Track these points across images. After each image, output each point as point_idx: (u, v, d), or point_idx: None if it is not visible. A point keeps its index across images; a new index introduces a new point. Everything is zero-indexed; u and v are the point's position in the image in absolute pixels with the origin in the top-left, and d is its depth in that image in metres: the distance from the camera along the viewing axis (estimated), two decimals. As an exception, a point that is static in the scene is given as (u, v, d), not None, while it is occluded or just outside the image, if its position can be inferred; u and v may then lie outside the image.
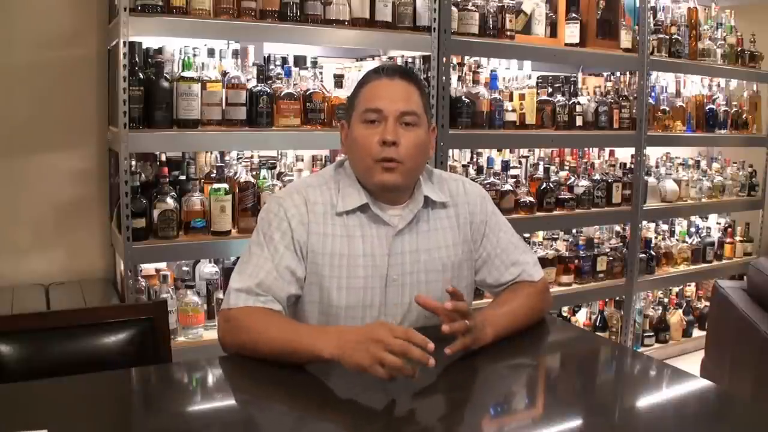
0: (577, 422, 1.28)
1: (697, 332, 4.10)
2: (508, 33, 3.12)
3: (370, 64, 3.02)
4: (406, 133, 1.58)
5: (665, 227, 4.14)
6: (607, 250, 3.65)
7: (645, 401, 1.39)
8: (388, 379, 1.26)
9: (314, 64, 2.72)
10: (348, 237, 1.60)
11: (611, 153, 3.75)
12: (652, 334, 3.92)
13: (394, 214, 1.63)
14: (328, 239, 1.59)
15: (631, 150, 3.69)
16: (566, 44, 3.38)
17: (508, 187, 3.20)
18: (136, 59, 2.38)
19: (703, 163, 4.29)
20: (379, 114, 1.57)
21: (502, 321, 1.57)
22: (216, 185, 2.55)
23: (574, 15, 3.38)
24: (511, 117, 3.20)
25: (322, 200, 1.62)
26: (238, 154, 2.71)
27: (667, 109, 3.89)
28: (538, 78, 3.41)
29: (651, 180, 3.89)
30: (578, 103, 3.43)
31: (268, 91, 2.58)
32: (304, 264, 1.58)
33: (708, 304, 4.05)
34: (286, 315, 1.55)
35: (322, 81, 2.76)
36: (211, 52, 2.52)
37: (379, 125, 1.57)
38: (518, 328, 1.61)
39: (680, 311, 4.09)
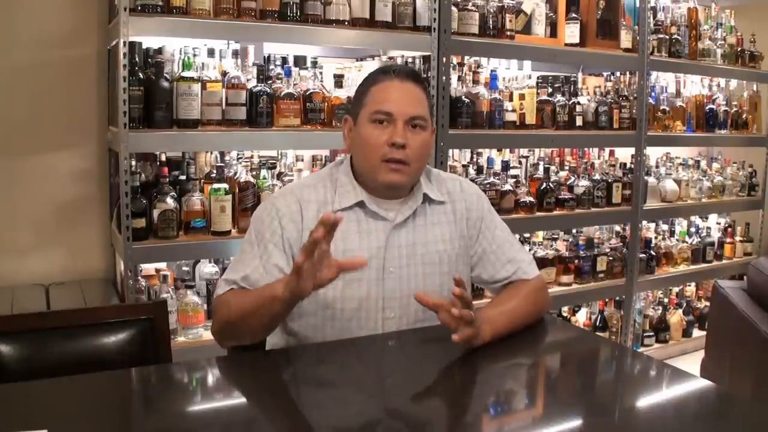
0: (577, 422, 1.28)
1: (697, 332, 4.10)
2: (508, 33, 3.12)
3: (370, 64, 3.03)
4: (413, 135, 1.61)
5: (665, 227, 4.14)
6: (607, 250, 3.65)
7: (645, 401, 1.39)
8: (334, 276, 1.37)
9: (314, 64, 2.72)
10: (343, 233, 1.61)
11: (611, 153, 3.75)
12: (652, 334, 3.91)
13: (391, 208, 1.66)
14: None
15: (631, 150, 3.69)
16: (566, 44, 3.38)
17: (508, 187, 3.20)
18: (136, 59, 2.38)
19: (703, 163, 4.28)
20: (390, 116, 1.60)
21: (500, 320, 1.57)
22: (216, 185, 2.55)
23: (574, 15, 3.38)
24: (511, 117, 3.20)
25: (316, 198, 1.64)
26: (238, 154, 2.71)
27: (667, 109, 3.89)
28: (538, 78, 3.41)
29: (651, 180, 3.89)
30: (578, 103, 3.43)
31: (268, 91, 2.58)
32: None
33: (708, 304, 4.05)
34: None
35: (322, 81, 2.76)
36: (211, 52, 2.52)
37: (388, 126, 1.60)
38: (517, 327, 1.61)
39: (680, 311, 4.09)
